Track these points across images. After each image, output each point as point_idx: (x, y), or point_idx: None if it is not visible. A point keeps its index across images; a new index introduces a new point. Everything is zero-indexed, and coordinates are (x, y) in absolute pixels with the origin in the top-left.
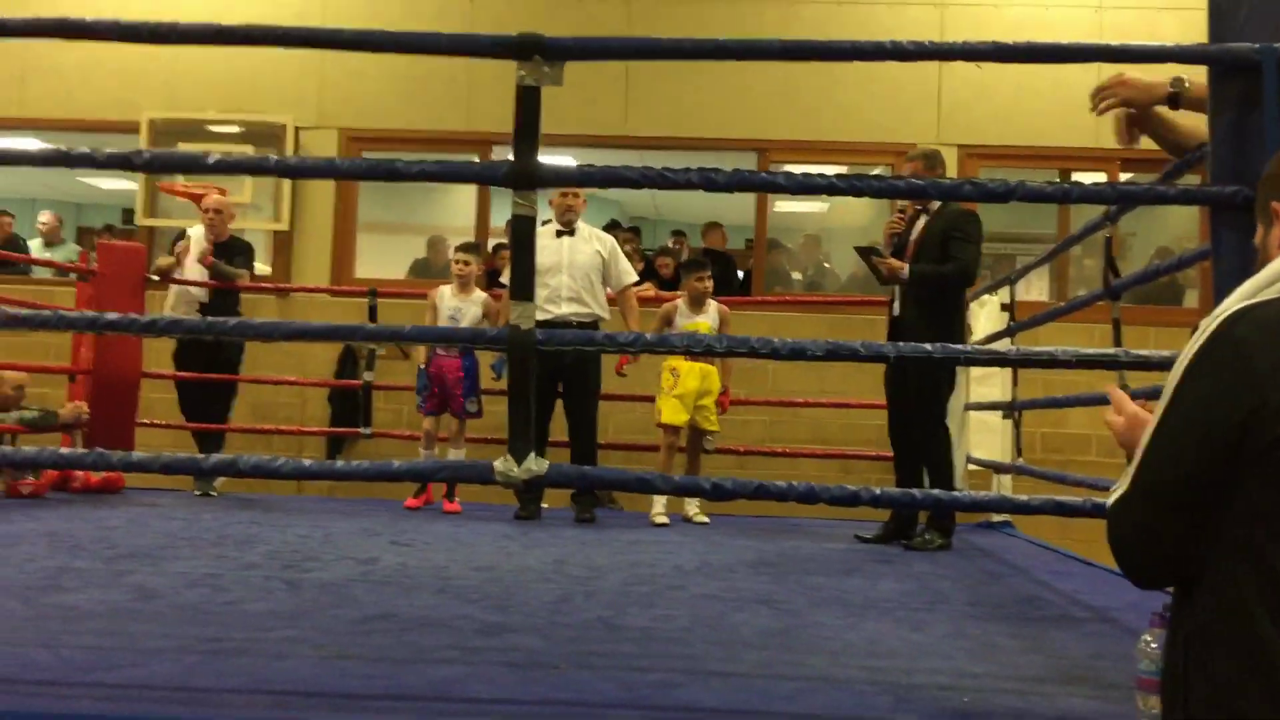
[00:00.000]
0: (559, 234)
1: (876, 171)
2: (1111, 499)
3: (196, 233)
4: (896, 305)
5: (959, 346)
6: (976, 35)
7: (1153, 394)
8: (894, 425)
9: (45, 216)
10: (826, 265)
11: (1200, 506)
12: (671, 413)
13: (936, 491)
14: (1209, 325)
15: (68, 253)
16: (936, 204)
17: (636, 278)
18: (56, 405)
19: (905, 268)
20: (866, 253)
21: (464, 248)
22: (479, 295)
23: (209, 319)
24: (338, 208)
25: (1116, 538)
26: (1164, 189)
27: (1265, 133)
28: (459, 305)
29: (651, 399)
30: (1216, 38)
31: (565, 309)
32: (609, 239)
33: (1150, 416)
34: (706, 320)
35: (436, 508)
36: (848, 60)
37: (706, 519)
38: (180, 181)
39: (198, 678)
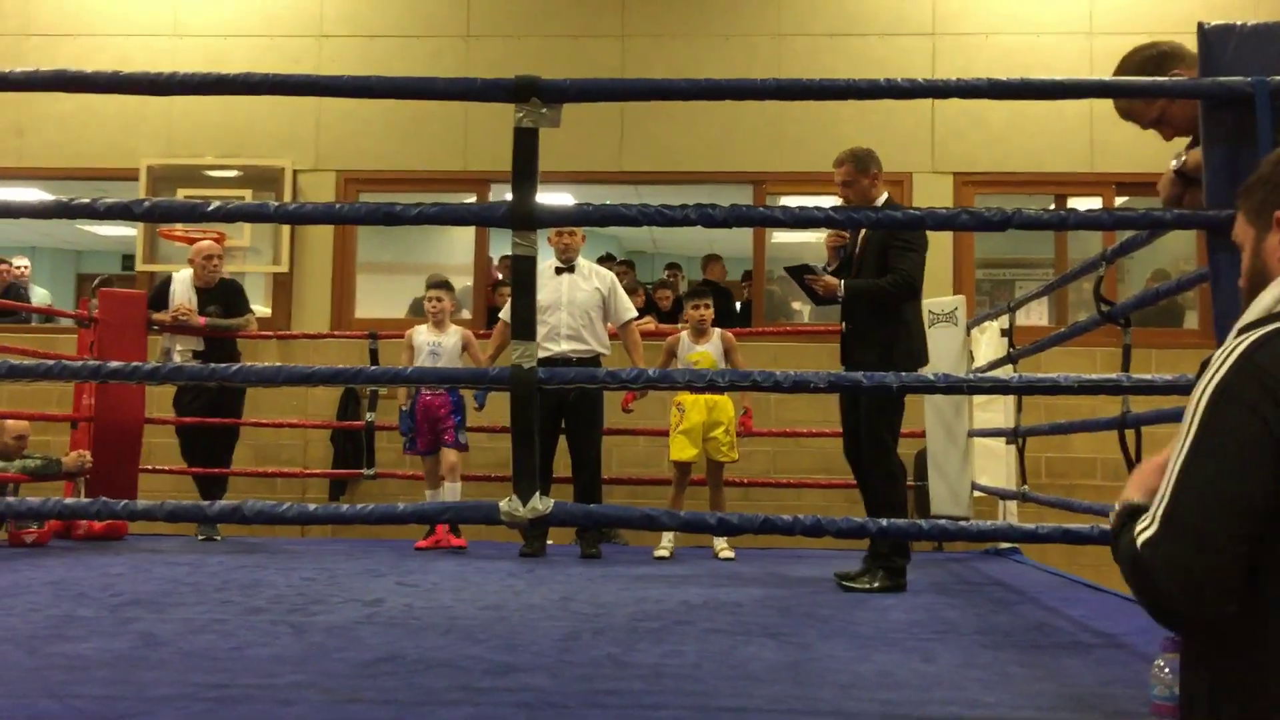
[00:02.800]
0: (558, 271)
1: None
2: (1140, 539)
3: (182, 276)
4: (844, 323)
5: (963, 377)
6: (968, 65)
7: (1157, 418)
8: (851, 452)
9: (19, 261)
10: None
11: (1241, 536)
12: (679, 449)
13: (943, 521)
14: (1228, 354)
15: (38, 299)
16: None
17: (636, 313)
18: (59, 453)
19: (839, 285)
20: (798, 272)
21: (435, 284)
22: (454, 329)
23: (212, 365)
24: (337, 249)
25: (1150, 579)
26: (1161, 213)
27: (1258, 161)
28: (437, 340)
29: (655, 433)
30: (1207, 70)
31: (565, 346)
32: (608, 275)
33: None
34: (709, 349)
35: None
36: (843, 99)
37: (733, 554)
38: (179, 227)
39: None
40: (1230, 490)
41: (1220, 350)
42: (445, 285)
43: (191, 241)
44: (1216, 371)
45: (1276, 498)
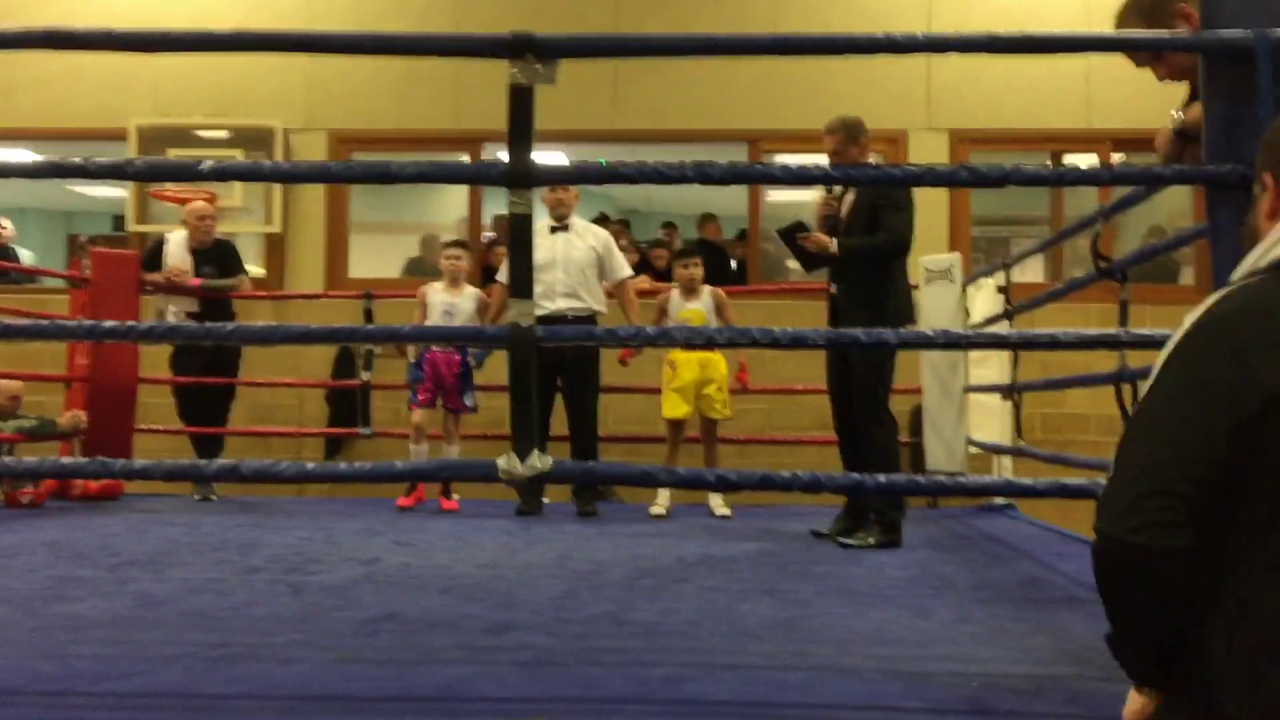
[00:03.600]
0: (553, 230)
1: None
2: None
3: (176, 237)
4: (834, 285)
5: (963, 331)
6: (963, 22)
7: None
8: (839, 414)
9: (3, 222)
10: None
11: (1189, 473)
12: (671, 407)
13: (941, 478)
14: (1201, 307)
15: (22, 260)
16: None
17: (632, 271)
18: (54, 413)
19: (832, 243)
20: (789, 233)
21: (454, 243)
22: (470, 290)
23: (207, 325)
24: (330, 209)
25: (1100, 522)
26: (1159, 170)
27: (1259, 117)
28: (452, 300)
29: (652, 390)
30: (1209, 23)
31: (561, 305)
32: (603, 233)
33: None
34: (699, 307)
35: (432, 505)
36: (840, 54)
37: (729, 511)
38: (170, 187)
39: (206, 684)
40: (1180, 429)
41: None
42: (464, 244)
43: (183, 202)
44: (1187, 320)
45: (1229, 443)
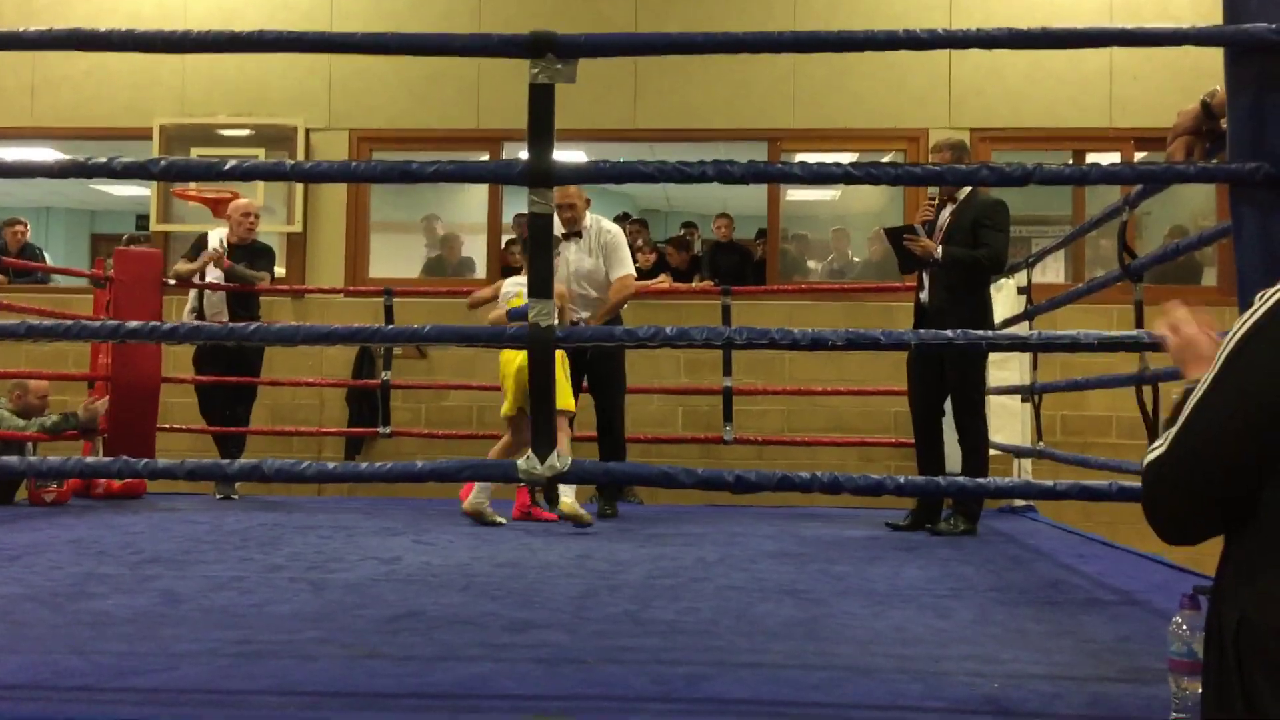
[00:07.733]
0: (566, 236)
1: (888, 158)
2: (1149, 457)
3: (217, 234)
4: (925, 292)
5: (981, 332)
6: (986, 21)
7: (1176, 374)
8: (921, 412)
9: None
10: (850, 253)
11: (1236, 477)
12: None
13: (961, 479)
14: (1268, 299)
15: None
16: (964, 193)
17: (630, 270)
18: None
19: (938, 249)
20: (897, 233)
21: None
22: None
23: (230, 325)
24: (350, 208)
25: (1150, 496)
26: (1183, 167)
27: None
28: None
29: (670, 391)
30: (1231, 18)
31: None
32: (611, 231)
33: (1207, 341)
34: None
35: (455, 505)
36: (860, 50)
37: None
38: (193, 187)
39: (228, 681)
40: (1236, 433)
41: (1265, 291)
42: None
43: (205, 201)
44: (1252, 314)
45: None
